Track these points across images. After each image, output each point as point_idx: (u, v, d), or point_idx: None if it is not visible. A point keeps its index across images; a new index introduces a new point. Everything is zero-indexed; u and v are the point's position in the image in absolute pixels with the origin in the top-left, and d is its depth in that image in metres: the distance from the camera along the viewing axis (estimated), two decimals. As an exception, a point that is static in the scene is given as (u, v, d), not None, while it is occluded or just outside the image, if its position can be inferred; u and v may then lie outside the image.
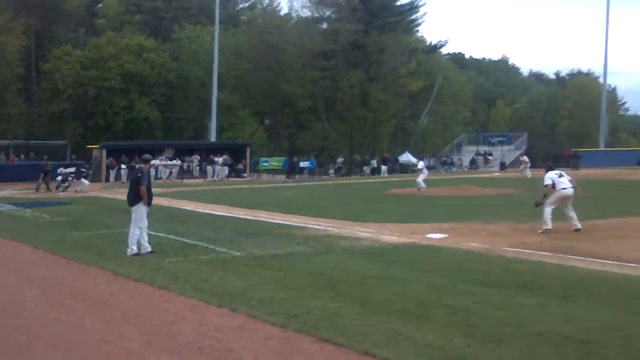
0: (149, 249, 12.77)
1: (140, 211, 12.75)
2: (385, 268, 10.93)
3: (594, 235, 14.41)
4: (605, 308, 7.87)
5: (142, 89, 56.72)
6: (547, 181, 15.30)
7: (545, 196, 15.37)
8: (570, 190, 15.09)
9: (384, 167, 52.40)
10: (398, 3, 67.14)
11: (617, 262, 11.01)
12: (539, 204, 15.45)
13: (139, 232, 12.76)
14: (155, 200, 14.80)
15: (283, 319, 7.65)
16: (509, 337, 6.76)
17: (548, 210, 15.07)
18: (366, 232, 15.71)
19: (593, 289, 8.90)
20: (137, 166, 14.83)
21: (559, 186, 15.15)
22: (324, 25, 65.87)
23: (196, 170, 46.07)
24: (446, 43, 70.61)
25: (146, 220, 12.85)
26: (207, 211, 21.78)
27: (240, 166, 47.81)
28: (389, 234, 15.25)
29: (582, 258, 11.54)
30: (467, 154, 63.64)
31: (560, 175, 15.38)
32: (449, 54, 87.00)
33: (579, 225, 14.93)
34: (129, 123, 56.34)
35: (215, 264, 11.62)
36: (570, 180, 15.29)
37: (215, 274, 10.59)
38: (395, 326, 7.25)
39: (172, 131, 58.76)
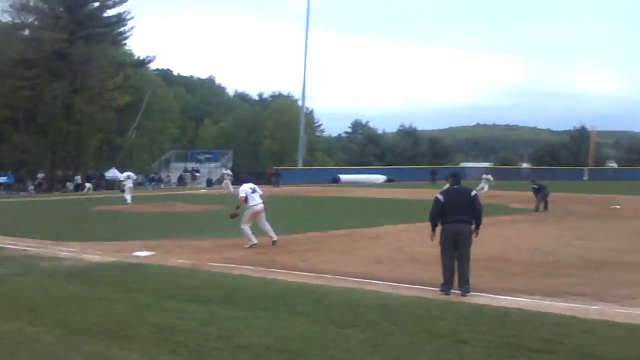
0: None
1: None
2: (88, 288, 10.54)
3: (293, 249, 15.32)
4: (303, 318, 8.33)
5: None
6: (242, 193, 15.95)
7: (238, 207, 16.05)
8: (260, 206, 15.92)
9: (88, 184, 50.44)
10: (105, 14, 65.16)
11: (313, 274, 11.79)
12: (234, 215, 16.18)
13: None
14: None
15: (-26, 347, 7.03)
16: (214, 351, 6.89)
17: (245, 228, 15.75)
18: (68, 251, 15.01)
19: (291, 300, 9.38)
20: None
21: (250, 202, 15.82)
22: (26, 32, 61.63)
23: None
24: (154, 58, 70.04)
25: None
26: None
27: None
28: (93, 253, 14.71)
29: (282, 271, 12.17)
30: (176, 170, 63.83)
31: (253, 191, 16.05)
32: (157, 69, 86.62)
33: (275, 238, 15.89)
34: None
35: None
36: (260, 196, 16.10)
37: None
38: (98, 348, 7.02)
39: None
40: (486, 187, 38.27)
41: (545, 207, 28.11)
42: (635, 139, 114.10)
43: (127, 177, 31.74)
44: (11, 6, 59.36)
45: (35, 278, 11.54)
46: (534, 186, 29.39)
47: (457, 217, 10.19)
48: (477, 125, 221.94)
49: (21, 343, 7.19)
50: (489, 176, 41.15)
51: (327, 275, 11.64)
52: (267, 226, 16.06)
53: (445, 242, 10.32)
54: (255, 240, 15.58)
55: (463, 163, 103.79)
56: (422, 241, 16.61)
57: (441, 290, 10.17)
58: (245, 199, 15.83)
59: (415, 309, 8.84)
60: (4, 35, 57.11)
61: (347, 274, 11.84)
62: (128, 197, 29.86)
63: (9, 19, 60.71)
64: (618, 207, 30.16)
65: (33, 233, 18.58)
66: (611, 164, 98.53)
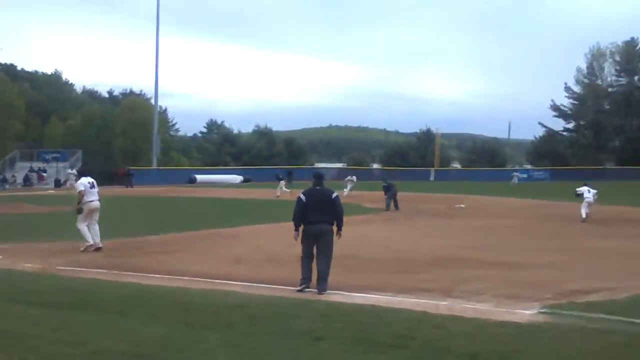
0: None
1: None
2: None
3: (149, 251, 15.03)
4: (160, 321, 8.18)
5: None
6: (80, 187, 15.27)
7: (79, 203, 15.23)
8: (97, 204, 15.30)
9: None
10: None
11: (170, 276, 11.63)
12: (80, 210, 15.27)
13: None
14: None
15: None
16: (68, 357, 6.63)
17: (81, 226, 15.08)
18: None
19: (148, 304, 9.20)
20: None
21: (88, 197, 15.14)
22: None
23: None
24: (-2, 53, 66.01)
25: None
26: None
27: None
28: None
29: (137, 274, 11.91)
30: (21, 170, 60.61)
31: (92, 186, 15.39)
32: (0, 64, 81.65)
33: (100, 244, 15.12)
34: None
35: None
36: (98, 192, 15.54)
37: None
38: (-61, 357, 6.59)
39: None
40: (348, 188, 38.86)
41: (396, 206, 29.18)
42: (476, 141, 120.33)
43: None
44: None
45: None
46: (384, 185, 30.47)
47: (318, 217, 10.46)
48: (330, 126, 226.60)
49: None
50: (353, 177, 41.69)
51: (185, 277, 11.51)
52: (97, 228, 15.25)
53: (305, 242, 10.59)
54: (91, 241, 14.93)
55: (317, 163, 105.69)
56: (279, 241, 16.80)
57: (300, 286, 10.44)
58: (84, 193, 15.11)
59: (274, 309, 8.92)
60: None
61: (205, 275, 11.77)
62: None
63: None
64: (463, 206, 31.81)
65: None
66: (455, 165, 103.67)
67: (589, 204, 24.84)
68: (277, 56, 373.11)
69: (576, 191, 25.85)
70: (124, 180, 55.45)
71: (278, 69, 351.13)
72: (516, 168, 67.90)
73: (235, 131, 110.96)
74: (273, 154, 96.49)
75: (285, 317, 8.39)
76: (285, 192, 37.96)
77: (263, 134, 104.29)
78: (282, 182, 40.79)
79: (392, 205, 29.18)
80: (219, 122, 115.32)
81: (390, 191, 29.71)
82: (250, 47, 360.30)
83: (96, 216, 15.26)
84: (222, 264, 13.21)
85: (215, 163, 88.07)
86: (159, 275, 11.74)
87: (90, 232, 15.05)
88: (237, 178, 67.74)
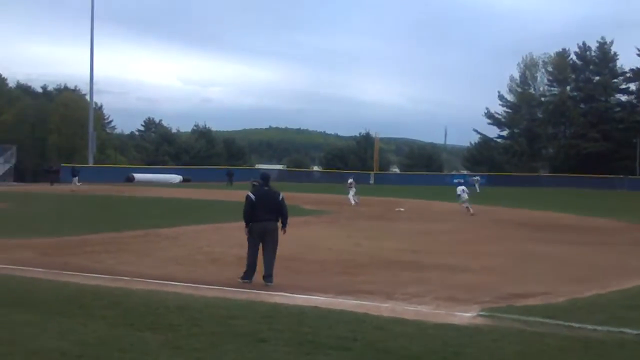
0: None
1: None
2: None
3: (87, 250, 14.78)
4: (101, 322, 8.05)
5: None
6: None
7: None
8: None
9: None
10: None
11: (110, 276, 11.46)
12: None
13: None
14: None
15: None
16: (5, 357, 6.49)
17: None
18: None
19: (88, 304, 9.05)
20: None
21: None
22: None
23: None
24: None
25: None
26: None
27: None
28: None
29: (76, 273, 11.71)
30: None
31: None
32: None
33: None
34: None
35: None
36: None
37: None
38: None
39: None
40: (352, 194, 36.36)
41: None
42: (414, 146, 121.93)
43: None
44: None
45: None
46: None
47: (265, 216, 11.26)
48: (270, 128, 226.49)
49: None
50: (351, 181, 38.71)
51: (125, 277, 11.38)
52: None
53: (252, 238, 11.29)
54: None
55: (258, 165, 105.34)
56: (220, 242, 16.76)
57: (242, 279, 11.09)
58: None
59: (216, 310, 8.89)
60: None
61: (146, 275, 11.66)
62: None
63: None
64: (402, 209, 32.18)
65: None
66: (394, 169, 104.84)
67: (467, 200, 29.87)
68: (217, 56, 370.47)
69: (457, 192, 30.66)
70: (54, 178, 54.46)
71: (217, 69, 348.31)
72: (476, 174, 68.58)
73: (174, 130, 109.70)
74: (212, 154, 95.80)
75: (228, 318, 8.37)
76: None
77: (202, 134, 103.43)
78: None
79: None
80: (157, 120, 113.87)
81: None
82: (189, 46, 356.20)
83: None
84: (163, 265, 13.10)
85: (153, 162, 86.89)
86: (98, 275, 11.57)
87: None
88: (176, 178, 67.05)
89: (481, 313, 9.01)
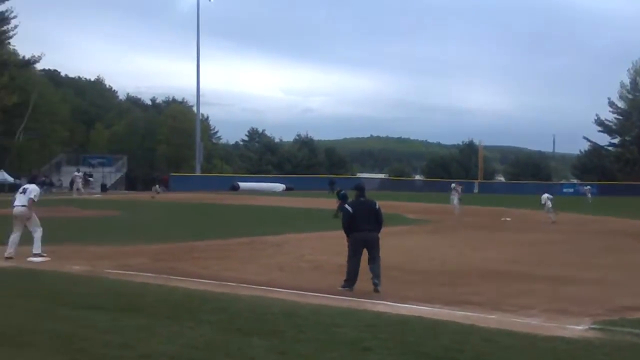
0: None
1: None
2: (-20, 295, 10.05)
3: (194, 256, 15.14)
4: (208, 326, 8.18)
5: None
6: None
7: None
8: (17, 209, 14.55)
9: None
10: (-14, 13, 62.27)
11: (216, 282, 11.68)
12: None
13: None
14: None
15: None
16: (117, 359, 6.70)
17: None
18: (-44, 257, 14.24)
19: (196, 308, 9.23)
20: None
21: (13, 202, 14.79)
22: None
23: None
24: (40, 58, 67.23)
25: None
26: None
27: None
28: (-16, 259, 14.05)
29: (184, 278, 11.98)
30: (67, 174, 61.67)
31: (23, 191, 14.76)
32: (43, 70, 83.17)
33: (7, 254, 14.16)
34: None
35: None
36: (28, 200, 14.48)
37: None
38: (-7, 356, 6.71)
39: None
40: (456, 201, 35.93)
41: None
42: (520, 154, 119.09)
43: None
44: None
45: None
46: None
47: (366, 226, 11.30)
48: (371, 137, 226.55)
49: None
50: (457, 186, 38.04)
51: (231, 283, 11.55)
52: (14, 237, 14.40)
53: (354, 247, 11.34)
54: (9, 253, 14.18)
55: (359, 174, 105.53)
56: (323, 249, 16.82)
57: (342, 287, 11.10)
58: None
59: (319, 317, 8.88)
60: None
61: (251, 281, 11.81)
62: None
63: None
64: (509, 219, 31.40)
65: None
66: (499, 178, 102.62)
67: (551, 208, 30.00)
68: (318, 66, 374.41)
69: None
70: (166, 187, 56.44)
71: (319, 79, 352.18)
72: (587, 183, 66.09)
73: (277, 140, 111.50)
74: (314, 164, 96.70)
75: (332, 326, 8.34)
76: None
77: (304, 143, 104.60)
78: None
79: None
80: (260, 130, 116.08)
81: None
82: (291, 57, 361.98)
83: (24, 222, 14.52)
84: (267, 271, 13.25)
85: (257, 171, 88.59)
86: (205, 281, 11.81)
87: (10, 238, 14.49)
88: (280, 186, 68.02)
89: (593, 326, 8.61)
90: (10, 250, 14.26)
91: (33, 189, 14.64)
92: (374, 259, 11.31)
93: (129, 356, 6.83)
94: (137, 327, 8.07)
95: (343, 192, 29.34)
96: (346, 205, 11.64)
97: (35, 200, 14.62)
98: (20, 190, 14.87)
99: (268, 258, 15.36)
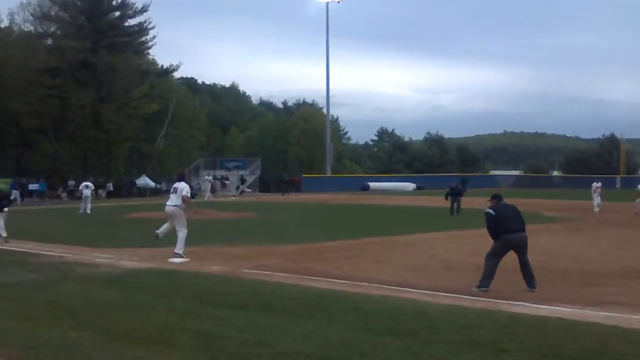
0: None
1: None
2: (126, 294, 10.61)
3: (327, 256, 15.30)
4: (341, 325, 8.27)
5: None
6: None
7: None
8: (168, 208, 15.18)
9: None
10: (126, 24, 65.81)
11: (349, 282, 11.75)
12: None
13: None
14: None
15: (19, 351, 7.06)
16: (254, 358, 6.86)
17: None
18: (105, 257, 15.14)
19: (329, 308, 9.34)
20: None
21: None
22: (49, 41, 62.30)
23: None
24: (178, 67, 70.45)
25: None
26: None
27: (-42, 188, 43.56)
28: (129, 259, 14.86)
29: (317, 278, 12.14)
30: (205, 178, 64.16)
31: (174, 191, 15.30)
32: (181, 78, 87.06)
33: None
34: None
35: None
36: (179, 198, 15.02)
37: None
38: (139, 353, 7.03)
39: None
40: (597, 201, 34.85)
41: (458, 211, 29.92)
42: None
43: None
44: (32, 15, 60.13)
45: (73, 284, 11.62)
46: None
47: (513, 226, 11.15)
48: (505, 132, 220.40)
49: (64, 349, 7.21)
50: (599, 183, 36.86)
51: (363, 283, 11.59)
52: (180, 235, 14.94)
53: (500, 247, 11.16)
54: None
55: (493, 171, 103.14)
56: (456, 249, 16.56)
57: (478, 287, 10.86)
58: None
59: (454, 318, 8.76)
60: (27, 44, 57.69)
61: (383, 281, 11.79)
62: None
63: (31, 28, 61.48)
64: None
65: (68, 239, 18.80)
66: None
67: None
68: (448, 63, 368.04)
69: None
70: (286, 188, 57.73)
71: (448, 75, 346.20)
72: None
73: (406, 139, 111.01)
74: (445, 162, 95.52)
75: (467, 327, 8.20)
76: None
77: (434, 141, 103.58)
78: None
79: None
80: (390, 130, 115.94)
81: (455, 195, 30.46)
82: (420, 54, 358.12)
83: (175, 221, 15.11)
84: (399, 271, 13.19)
85: (387, 171, 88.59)
86: (338, 280, 11.91)
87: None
88: (410, 185, 67.65)
89: None
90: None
91: (184, 187, 15.16)
92: (525, 260, 11.19)
93: (265, 354, 7.00)
94: (273, 326, 8.26)
95: (461, 187, 29.39)
96: (488, 210, 11.46)
97: (189, 195, 15.34)
98: (172, 190, 15.56)
99: (400, 258, 15.29)
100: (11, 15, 61.46)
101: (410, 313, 9.00)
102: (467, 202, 31.83)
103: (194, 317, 8.81)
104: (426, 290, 11.00)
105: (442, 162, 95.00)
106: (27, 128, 57.43)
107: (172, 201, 15.07)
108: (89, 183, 34.91)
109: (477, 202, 27.08)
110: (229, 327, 8.17)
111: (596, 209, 31.83)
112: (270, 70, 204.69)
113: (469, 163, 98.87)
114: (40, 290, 10.96)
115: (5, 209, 18.79)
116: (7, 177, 47.83)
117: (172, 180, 34.66)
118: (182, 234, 14.89)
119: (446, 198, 31.10)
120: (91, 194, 33.81)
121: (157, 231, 15.41)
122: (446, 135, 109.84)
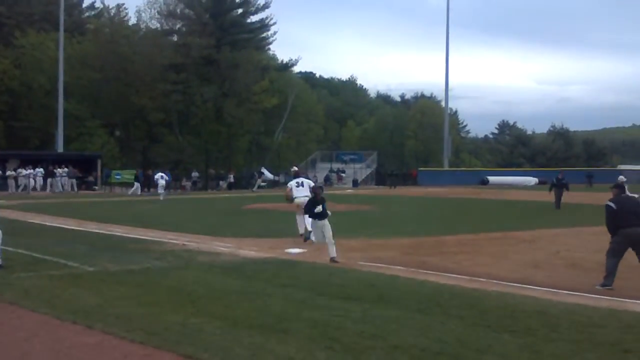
0: (-1, 263, 12.09)
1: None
2: (245, 283, 10.90)
3: (444, 250, 15.13)
4: (458, 321, 8.16)
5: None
6: (288, 186, 17.58)
7: (287, 199, 17.42)
8: (301, 199, 16.35)
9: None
10: (249, 21, 67.50)
11: (466, 277, 11.58)
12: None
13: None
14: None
15: (142, 336, 7.39)
16: (369, 350, 6.88)
17: (297, 217, 16.89)
18: (225, 246, 15.63)
19: (445, 302, 9.25)
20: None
21: (293, 194, 16.90)
22: (175, 38, 64.77)
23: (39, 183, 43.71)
24: (297, 62, 71.60)
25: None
26: (56, 225, 20.80)
27: (91, 178, 46.11)
28: (248, 249, 15.27)
29: (433, 272, 12.04)
30: (321, 170, 64.83)
31: (298, 185, 17.01)
32: (300, 72, 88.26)
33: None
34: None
35: (68, 279, 11.13)
36: (306, 190, 16.53)
37: (68, 290, 10.13)
38: (257, 340, 7.20)
39: (16, 140, 55.77)
40: None
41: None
42: None
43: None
44: (159, 13, 62.64)
45: (195, 271, 12.06)
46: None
47: (633, 221, 10.66)
48: (634, 126, 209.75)
49: (184, 334, 7.48)
50: None
51: (481, 279, 11.39)
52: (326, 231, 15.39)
53: (619, 243, 10.70)
54: (301, 231, 16.29)
55: (621, 165, 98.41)
56: (580, 246, 15.95)
57: (602, 285, 10.54)
58: (291, 191, 17.07)
59: (575, 316, 8.48)
60: (153, 41, 60.26)
61: (502, 278, 11.55)
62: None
63: (158, 25, 64.07)
64: None
65: (192, 229, 19.50)
66: None
67: None
68: (576, 53, 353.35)
69: None
70: (394, 181, 57.42)
71: (577, 67, 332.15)
72: None
73: (529, 132, 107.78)
74: (570, 156, 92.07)
75: (589, 326, 7.93)
76: None
77: (559, 135, 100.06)
78: None
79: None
80: (511, 122, 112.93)
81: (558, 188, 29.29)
82: (546, 45, 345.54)
83: (300, 211, 16.28)
84: (519, 268, 12.86)
85: (507, 165, 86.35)
86: (454, 275, 11.77)
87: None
88: (532, 180, 65.56)
89: None
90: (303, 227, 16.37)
91: (310, 181, 17.54)
92: None
93: (380, 346, 7.01)
94: (387, 319, 8.26)
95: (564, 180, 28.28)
96: (609, 202, 11.01)
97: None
98: (295, 184, 17.17)
99: (520, 254, 14.89)
100: (139, 12, 64.43)
101: (529, 311, 8.78)
102: (590, 197, 30.59)
103: (310, 307, 8.93)
104: (548, 287, 10.70)
105: (566, 157, 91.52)
106: (153, 122, 60.14)
107: (303, 192, 16.53)
108: (163, 174, 38.44)
109: (601, 197, 25.96)
110: (344, 318, 8.22)
111: None
112: (388, 63, 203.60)
113: (596, 157, 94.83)
114: (163, 277, 11.42)
115: None
116: (134, 169, 50.06)
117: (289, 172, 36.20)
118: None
119: (550, 190, 29.98)
120: (166, 183, 37.45)
121: (309, 238, 15.65)
122: (572, 129, 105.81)
